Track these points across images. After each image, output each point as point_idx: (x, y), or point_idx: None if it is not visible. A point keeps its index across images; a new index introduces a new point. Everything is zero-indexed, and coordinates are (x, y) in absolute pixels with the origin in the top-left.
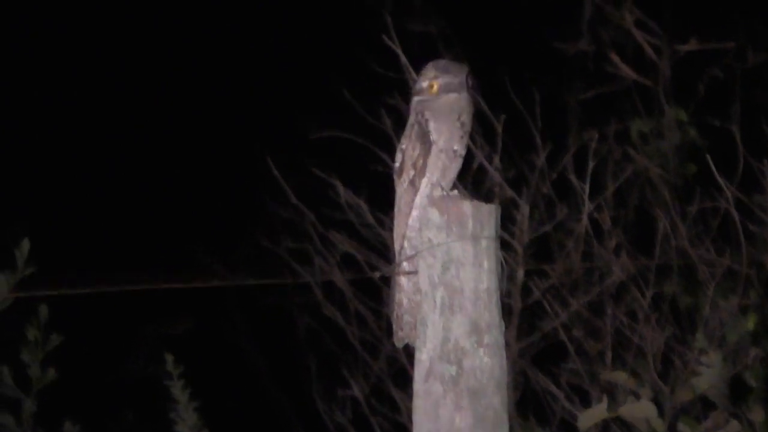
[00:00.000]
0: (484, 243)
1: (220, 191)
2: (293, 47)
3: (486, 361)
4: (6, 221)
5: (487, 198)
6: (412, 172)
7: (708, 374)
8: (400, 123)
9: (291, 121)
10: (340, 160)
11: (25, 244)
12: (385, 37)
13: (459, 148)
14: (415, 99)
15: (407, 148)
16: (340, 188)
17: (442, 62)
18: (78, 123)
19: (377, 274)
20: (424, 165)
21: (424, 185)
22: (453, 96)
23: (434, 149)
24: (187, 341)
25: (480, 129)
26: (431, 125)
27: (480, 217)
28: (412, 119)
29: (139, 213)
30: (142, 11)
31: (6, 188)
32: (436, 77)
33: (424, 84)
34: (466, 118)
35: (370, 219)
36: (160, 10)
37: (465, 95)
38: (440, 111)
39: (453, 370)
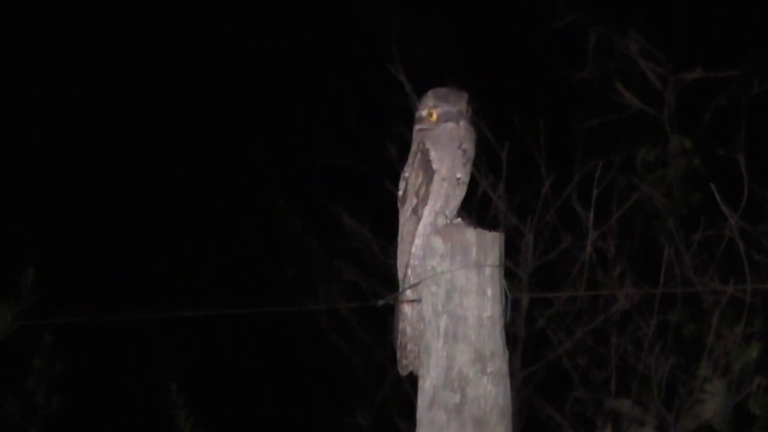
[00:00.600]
0: (487, 271)
1: (227, 220)
2: (300, 76)
3: (490, 389)
4: (11, 250)
5: (491, 226)
6: (414, 201)
7: (712, 402)
8: (405, 151)
9: (297, 150)
10: (346, 188)
11: (30, 273)
12: (390, 66)
13: (462, 175)
14: (416, 127)
15: (410, 177)
16: (345, 217)
17: (441, 90)
18: (85, 154)
19: (381, 303)
20: (427, 193)
21: (427, 213)
22: (451, 125)
23: (436, 177)
24: (191, 370)
25: (485, 157)
26: (432, 154)
27: (484, 245)
28: (414, 148)
29: (146, 242)
30: (143, 54)
31: (11, 217)
32: (435, 106)
33: (424, 112)
34: (468, 145)
35: (375, 247)
36: (162, 48)
37: (464, 123)
38: (440, 139)
39: (456, 398)
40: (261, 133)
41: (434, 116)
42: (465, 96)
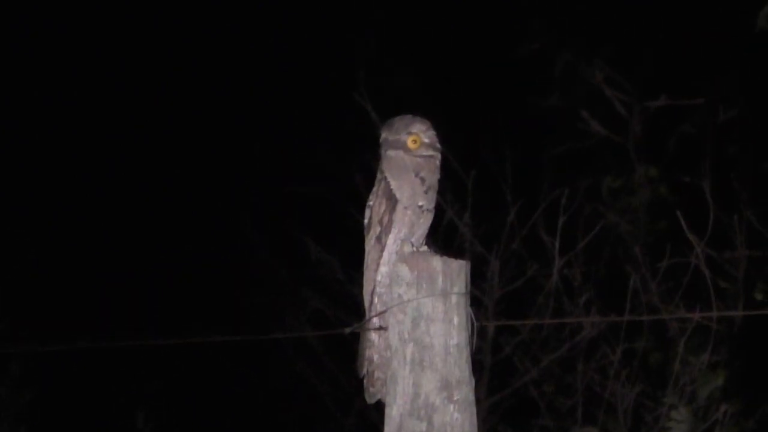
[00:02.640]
0: (454, 299)
1: (194, 248)
2: (268, 104)
3: (456, 417)
4: None
5: (457, 254)
6: (378, 229)
7: (678, 430)
8: (371, 179)
9: (264, 178)
10: (313, 216)
11: None
12: (355, 95)
13: (424, 203)
14: (385, 154)
15: (374, 205)
16: (312, 245)
17: (412, 118)
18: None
19: (348, 330)
20: (390, 221)
21: (392, 242)
22: (394, 152)
23: (399, 206)
24: (158, 398)
25: (450, 185)
26: (392, 183)
27: (450, 273)
28: (378, 175)
29: (113, 270)
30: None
31: None
32: (415, 132)
33: (397, 137)
34: (426, 174)
35: (341, 275)
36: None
37: (410, 154)
38: (395, 168)
39: (423, 426)
40: (229, 162)
41: (417, 143)
42: (416, 125)
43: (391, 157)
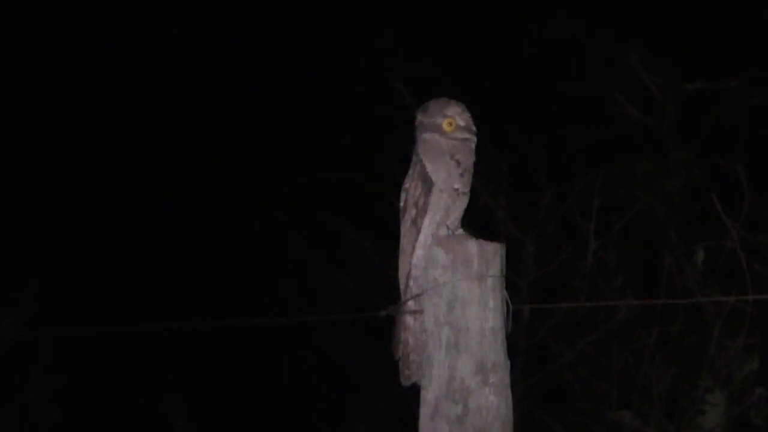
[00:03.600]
0: (489, 282)
1: (227, 233)
2: (301, 91)
3: (492, 400)
4: (12, 262)
5: (492, 237)
6: (414, 212)
7: (713, 413)
8: (406, 163)
9: (298, 163)
10: (347, 200)
11: (32, 285)
12: (390, 78)
13: (460, 186)
14: (421, 137)
15: (410, 188)
16: (346, 229)
17: (429, 102)
18: (86, 168)
19: (384, 313)
20: (426, 204)
21: (427, 224)
22: (429, 135)
23: (435, 189)
24: (192, 381)
25: (486, 169)
26: (428, 166)
27: (485, 256)
28: (414, 158)
29: (147, 254)
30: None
31: (12, 229)
32: (452, 115)
33: (435, 120)
34: (462, 157)
35: (376, 259)
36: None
37: (445, 137)
38: (431, 151)
39: (459, 409)
40: (263, 147)
41: (453, 125)
42: (451, 108)
43: (426, 140)
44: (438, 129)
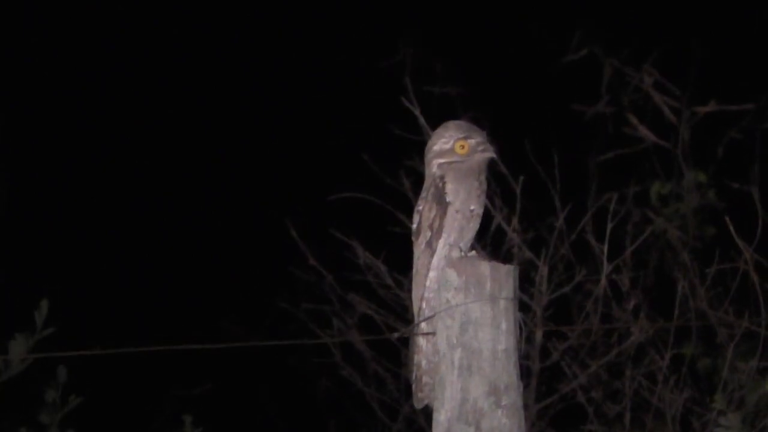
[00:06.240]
0: (502, 304)
1: (239, 254)
2: (312, 109)
3: (504, 422)
4: (25, 282)
5: (505, 259)
6: (428, 234)
7: None
8: (419, 185)
9: (310, 184)
10: (359, 222)
11: (44, 305)
12: (404, 99)
13: (476, 207)
14: (437, 161)
15: (424, 210)
16: (359, 250)
17: (463, 123)
18: (97, 185)
19: (396, 336)
20: (441, 226)
21: (441, 246)
22: (483, 156)
23: (450, 210)
24: (206, 403)
25: (499, 190)
26: (449, 187)
27: (498, 278)
28: (428, 181)
29: (160, 275)
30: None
31: (25, 248)
32: (467, 137)
33: (447, 145)
34: (484, 177)
35: (389, 280)
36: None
37: (489, 155)
38: (463, 171)
39: (471, 431)
40: (276, 166)
41: (466, 148)
42: (463, 129)
43: (446, 162)
44: (452, 153)
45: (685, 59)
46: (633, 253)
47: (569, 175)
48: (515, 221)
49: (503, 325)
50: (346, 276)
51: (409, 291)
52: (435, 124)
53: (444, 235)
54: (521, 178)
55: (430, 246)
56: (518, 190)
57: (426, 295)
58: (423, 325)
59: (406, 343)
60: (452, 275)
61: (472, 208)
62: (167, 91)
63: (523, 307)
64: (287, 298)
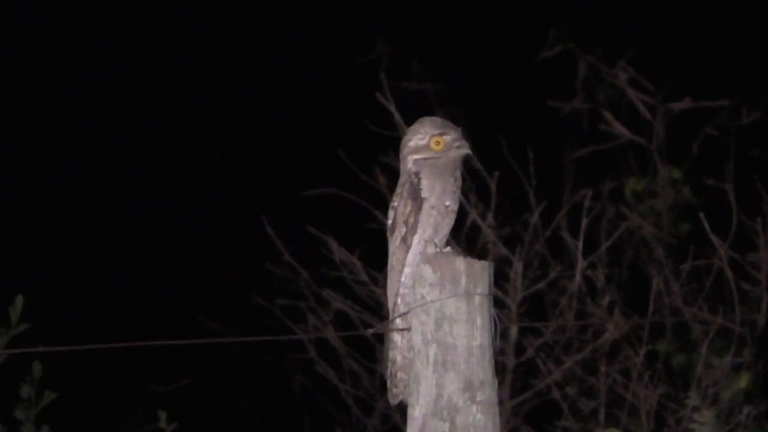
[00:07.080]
0: (477, 300)
1: (215, 249)
2: (288, 106)
3: (479, 418)
4: (0, 278)
5: (480, 255)
6: (403, 230)
7: None
8: (395, 181)
9: (286, 180)
10: (335, 218)
11: (19, 301)
12: (379, 96)
13: (451, 203)
14: (412, 157)
15: (399, 206)
16: (334, 246)
17: (438, 119)
18: (74, 182)
19: (371, 332)
20: (416, 222)
21: (416, 242)
22: (458, 152)
23: (425, 206)
24: (181, 399)
25: (474, 186)
26: (424, 183)
27: (473, 274)
28: (403, 177)
29: (135, 271)
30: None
31: (0, 245)
32: (442, 134)
33: (423, 141)
34: (459, 173)
35: (364, 276)
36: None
37: (464, 151)
38: (438, 168)
39: (446, 427)
40: (251, 162)
41: (441, 144)
42: (438, 125)
43: (419, 159)
44: (427, 149)
45: (660, 56)
46: (608, 249)
47: (544, 172)
48: (490, 217)
49: (478, 321)
50: (322, 272)
51: (384, 287)
52: (410, 121)
53: (419, 231)
54: (496, 174)
55: (405, 242)
56: (493, 187)
57: (401, 291)
58: (398, 321)
59: (381, 339)
60: (427, 271)
61: (447, 204)
62: (140, 88)
63: (498, 303)
64: (262, 294)
